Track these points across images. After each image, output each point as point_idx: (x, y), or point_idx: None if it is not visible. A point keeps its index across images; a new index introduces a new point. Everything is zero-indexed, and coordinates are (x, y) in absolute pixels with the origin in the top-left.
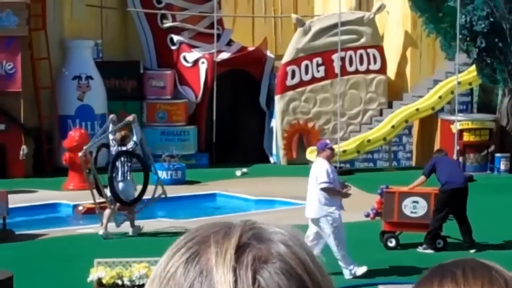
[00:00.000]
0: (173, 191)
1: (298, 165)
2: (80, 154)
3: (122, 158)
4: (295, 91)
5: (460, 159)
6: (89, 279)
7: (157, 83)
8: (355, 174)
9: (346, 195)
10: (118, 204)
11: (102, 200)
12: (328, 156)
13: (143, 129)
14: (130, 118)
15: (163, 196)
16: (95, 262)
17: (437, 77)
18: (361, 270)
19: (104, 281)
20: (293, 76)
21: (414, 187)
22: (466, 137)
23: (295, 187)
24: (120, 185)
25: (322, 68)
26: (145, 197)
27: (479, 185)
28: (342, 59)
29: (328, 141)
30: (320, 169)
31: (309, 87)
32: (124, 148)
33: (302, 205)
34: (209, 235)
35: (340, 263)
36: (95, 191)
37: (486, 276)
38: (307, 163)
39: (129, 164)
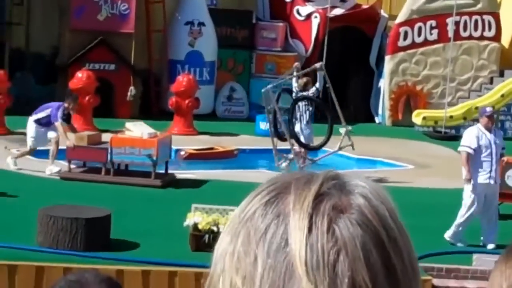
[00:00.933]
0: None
1: (403, 127)
2: (263, 90)
3: (303, 103)
4: (406, 52)
5: None
6: (185, 224)
7: (269, 34)
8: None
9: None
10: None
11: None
12: (484, 123)
13: (251, 80)
14: (317, 65)
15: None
16: (192, 207)
17: None
18: (461, 244)
19: (200, 227)
20: (405, 37)
21: None
22: None
23: (398, 148)
24: (302, 126)
25: (435, 31)
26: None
27: None
28: (457, 23)
29: (488, 108)
30: (465, 133)
31: (420, 50)
32: (305, 94)
33: (403, 168)
34: (290, 182)
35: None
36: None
37: None
38: (413, 125)
39: (310, 109)
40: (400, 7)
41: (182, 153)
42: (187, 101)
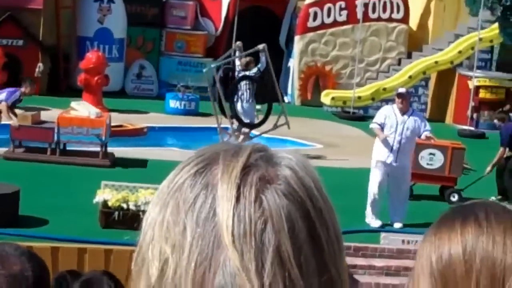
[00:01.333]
0: (185, 121)
1: (312, 107)
2: (204, 70)
3: (245, 82)
4: (315, 33)
5: (474, 115)
6: (95, 201)
7: (178, 13)
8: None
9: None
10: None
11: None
12: (396, 102)
13: (160, 58)
14: (260, 46)
15: (284, 125)
16: (102, 184)
17: (459, 32)
18: (375, 223)
19: (109, 204)
20: (315, 18)
21: (497, 162)
22: (482, 94)
23: (307, 128)
24: (244, 105)
25: (344, 12)
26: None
27: (490, 142)
28: (366, 5)
29: (400, 89)
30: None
31: (329, 30)
32: (247, 73)
33: (312, 147)
34: (218, 153)
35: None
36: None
37: (508, 221)
38: (322, 105)
39: (250, 88)
40: None
41: None
42: (96, 78)
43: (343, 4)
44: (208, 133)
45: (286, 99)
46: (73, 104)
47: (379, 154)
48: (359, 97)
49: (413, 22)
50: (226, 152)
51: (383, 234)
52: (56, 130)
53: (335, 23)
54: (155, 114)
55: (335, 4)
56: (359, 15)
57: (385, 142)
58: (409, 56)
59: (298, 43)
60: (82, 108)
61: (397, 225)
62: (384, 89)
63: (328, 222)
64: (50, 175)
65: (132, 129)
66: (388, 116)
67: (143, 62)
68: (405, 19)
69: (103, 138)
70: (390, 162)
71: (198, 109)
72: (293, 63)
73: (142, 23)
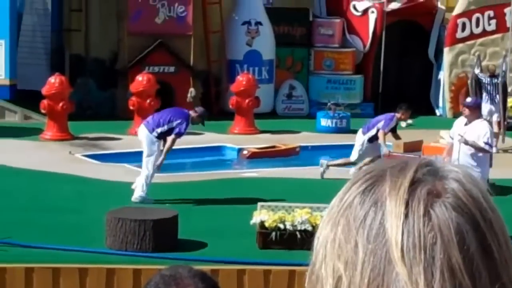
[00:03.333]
0: (337, 139)
1: None
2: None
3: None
4: (464, 43)
5: None
6: (252, 222)
7: (326, 31)
8: None
9: None
10: None
11: None
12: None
13: (310, 77)
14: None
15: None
16: (258, 205)
17: None
18: None
19: (266, 224)
20: (463, 29)
21: None
22: None
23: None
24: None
25: (493, 22)
26: None
27: None
28: None
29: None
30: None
31: (479, 40)
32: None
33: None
34: (385, 169)
35: None
36: None
37: None
38: None
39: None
40: None
41: (245, 152)
42: (247, 101)
43: (491, 13)
44: None
45: (437, 112)
46: (442, 133)
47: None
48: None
49: None
50: (393, 168)
51: None
52: None
53: (484, 33)
54: (307, 133)
55: (483, 13)
56: (509, 24)
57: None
58: None
59: (447, 54)
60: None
61: None
62: None
63: (498, 232)
64: (205, 198)
65: (285, 149)
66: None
67: (292, 82)
68: None
69: None
70: None
71: (349, 127)
72: (443, 75)
73: (290, 43)
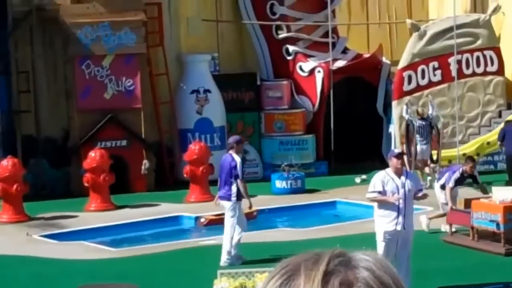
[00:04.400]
0: (293, 200)
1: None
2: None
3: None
4: (412, 96)
5: None
6: None
7: (274, 94)
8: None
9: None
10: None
11: None
12: (392, 165)
13: (262, 140)
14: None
15: None
16: (218, 273)
17: None
18: None
19: None
20: (409, 81)
21: None
22: None
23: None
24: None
25: (438, 72)
26: None
27: None
28: (459, 62)
29: (396, 150)
30: (372, 178)
31: (426, 92)
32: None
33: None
34: (300, 263)
35: None
36: None
37: None
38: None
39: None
40: (401, 52)
41: (202, 220)
42: (201, 168)
43: (436, 64)
44: (317, 209)
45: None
46: (494, 188)
47: (386, 224)
48: (464, 154)
49: (509, 73)
50: (307, 261)
51: None
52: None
53: (430, 84)
54: (263, 196)
55: (428, 65)
56: (454, 73)
57: (390, 208)
58: (509, 107)
59: (396, 108)
60: (499, 193)
61: None
62: (488, 143)
63: None
64: (165, 268)
65: None
66: (386, 182)
67: (245, 146)
68: (500, 71)
69: (500, 224)
70: (395, 228)
71: (304, 186)
72: (394, 129)
73: (240, 108)
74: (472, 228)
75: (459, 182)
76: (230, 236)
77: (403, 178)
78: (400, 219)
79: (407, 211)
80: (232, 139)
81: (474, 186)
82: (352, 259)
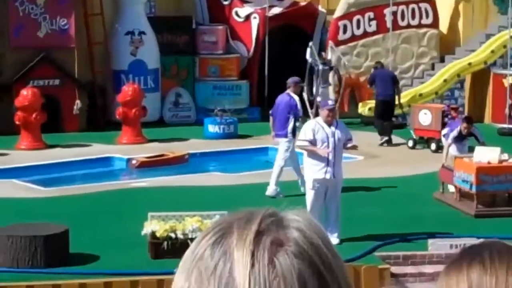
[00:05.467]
0: (225, 145)
1: (350, 118)
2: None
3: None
4: (347, 45)
5: None
6: (143, 232)
7: (209, 38)
8: (407, 127)
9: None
10: None
11: None
12: (323, 115)
13: (196, 84)
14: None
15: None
16: (148, 215)
17: (490, 31)
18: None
19: (158, 234)
20: (345, 31)
21: None
22: None
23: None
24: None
25: (374, 23)
26: None
27: None
28: (394, 13)
29: (329, 102)
30: (303, 127)
31: (361, 42)
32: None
33: (354, 159)
34: (233, 222)
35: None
36: None
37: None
38: (358, 116)
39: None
40: (337, 2)
41: (134, 162)
42: (134, 110)
43: (371, 14)
44: (249, 154)
45: None
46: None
47: (316, 172)
48: (396, 105)
49: (443, 26)
50: (239, 220)
51: (430, 241)
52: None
53: (365, 34)
54: (195, 140)
55: (363, 15)
56: (389, 24)
57: (320, 158)
58: (442, 60)
59: (330, 57)
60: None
61: (335, 241)
62: (420, 95)
63: (339, 276)
64: (95, 210)
65: (174, 157)
66: (317, 131)
67: (179, 90)
68: (434, 24)
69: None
70: (324, 177)
71: (237, 132)
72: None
73: (175, 51)
74: (455, 186)
75: (459, 139)
76: (280, 168)
77: (333, 128)
78: (330, 168)
79: (336, 161)
80: (291, 80)
81: (477, 145)
82: (283, 219)
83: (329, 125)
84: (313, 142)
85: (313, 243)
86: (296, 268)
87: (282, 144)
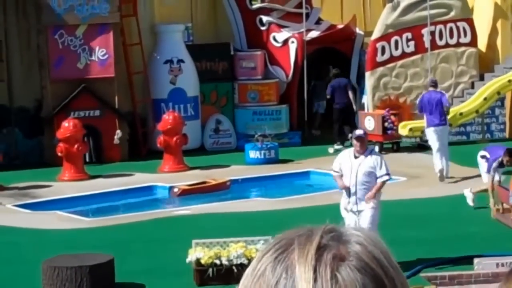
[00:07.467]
0: (267, 170)
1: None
2: None
3: None
4: (385, 67)
5: None
6: (187, 260)
7: (248, 64)
8: (449, 147)
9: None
10: None
11: None
12: (354, 145)
13: (235, 110)
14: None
15: None
16: (193, 243)
17: None
18: None
19: (202, 261)
20: (383, 52)
21: None
22: None
23: (389, 161)
24: None
25: (412, 43)
26: None
27: None
28: (432, 33)
29: (357, 131)
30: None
31: (399, 62)
32: None
33: (396, 181)
34: (293, 238)
35: None
36: None
37: None
38: (399, 137)
39: None
40: (374, 23)
41: (176, 190)
42: (175, 138)
43: (409, 35)
44: (291, 179)
45: None
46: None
47: (344, 200)
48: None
49: (482, 44)
50: (300, 237)
51: (476, 260)
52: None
53: (404, 55)
54: (237, 166)
55: (401, 36)
56: (427, 44)
57: (345, 189)
58: (481, 78)
59: (369, 79)
60: None
61: None
62: (461, 114)
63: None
64: (140, 239)
65: (216, 184)
66: (343, 162)
67: (219, 116)
68: (473, 42)
69: None
70: (355, 210)
71: (278, 157)
72: (367, 99)
73: (214, 78)
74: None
75: (497, 167)
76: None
77: (360, 159)
78: (353, 201)
79: (358, 196)
80: (429, 79)
81: None
82: (343, 234)
83: (357, 156)
84: (340, 174)
85: (375, 257)
86: (360, 282)
87: (443, 132)
